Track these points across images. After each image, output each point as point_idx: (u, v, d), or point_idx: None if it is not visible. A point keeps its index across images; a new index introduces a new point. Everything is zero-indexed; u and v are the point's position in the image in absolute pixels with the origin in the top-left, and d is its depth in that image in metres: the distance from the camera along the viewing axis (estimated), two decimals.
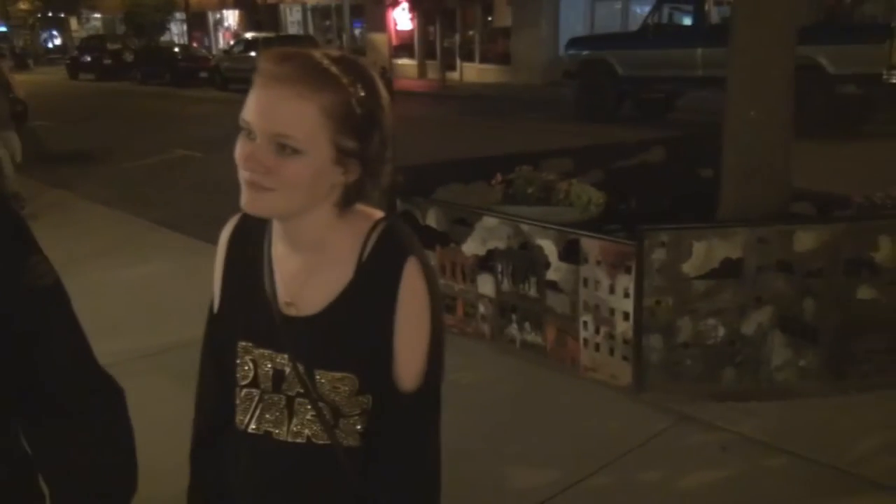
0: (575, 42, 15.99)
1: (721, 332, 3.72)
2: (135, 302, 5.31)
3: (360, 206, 1.24)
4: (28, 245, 1.13)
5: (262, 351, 1.24)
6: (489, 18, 25.78)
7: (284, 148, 1.10)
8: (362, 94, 1.13)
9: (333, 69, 1.12)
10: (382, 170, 1.20)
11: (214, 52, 34.82)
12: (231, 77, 24.75)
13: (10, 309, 1.08)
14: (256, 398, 1.26)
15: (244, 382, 1.26)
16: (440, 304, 1.26)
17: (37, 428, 1.16)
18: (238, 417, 1.28)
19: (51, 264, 1.15)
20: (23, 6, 45.85)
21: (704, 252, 3.64)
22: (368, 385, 1.22)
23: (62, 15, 48.05)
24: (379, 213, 1.25)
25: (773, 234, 3.66)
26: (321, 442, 1.23)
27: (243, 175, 1.13)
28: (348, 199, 1.20)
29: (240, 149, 1.13)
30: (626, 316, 3.78)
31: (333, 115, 1.11)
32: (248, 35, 27.62)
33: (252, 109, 1.11)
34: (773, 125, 4.25)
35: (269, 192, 1.12)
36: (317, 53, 1.14)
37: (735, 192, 4.35)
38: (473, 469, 3.06)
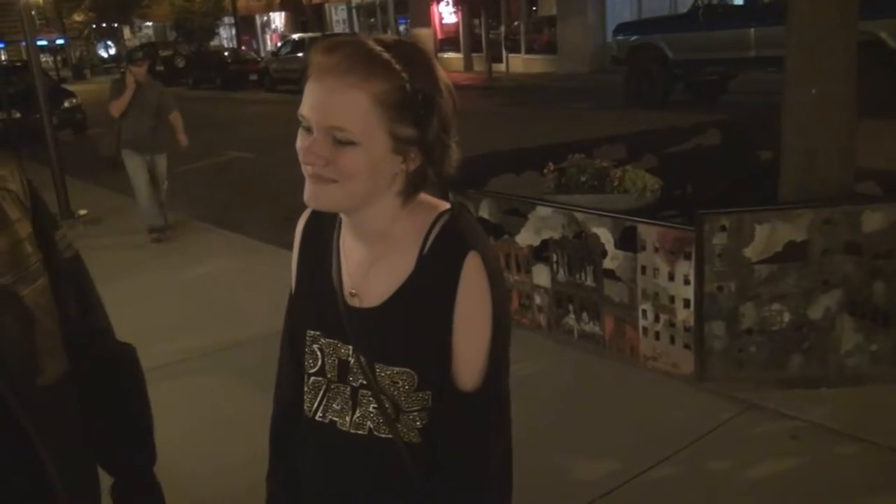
0: (623, 27, 15.73)
1: (787, 317, 3.61)
2: (194, 301, 5.41)
3: (425, 197, 1.21)
4: (55, 221, 1.27)
5: (328, 340, 1.24)
6: (534, 8, 25.57)
7: (339, 139, 1.09)
8: (417, 78, 1.10)
9: (385, 55, 1.09)
10: (445, 155, 1.16)
11: (262, 54, 35.34)
12: (279, 78, 25.07)
13: (52, 279, 1.21)
14: (323, 387, 1.26)
15: (312, 370, 1.27)
16: (504, 303, 1.21)
17: (79, 379, 1.29)
18: (306, 404, 1.28)
19: (71, 238, 1.31)
20: (78, 18, 47.20)
21: (767, 235, 3.54)
22: (427, 381, 1.19)
23: (115, 25, 49.29)
24: (445, 205, 1.22)
25: (839, 214, 3.54)
26: (383, 435, 1.21)
27: (305, 169, 1.12)
28: (411, 188, 1.17)
29: (299, 143, 1.13)
30: (686, 303, 3.70)
31: (386, 102, 1.08)
32: (295, 36, 27.94)
33: (307, 103, 1.11)
34: (835, 103, 4.10)
35: (330, 185, 1.11)
36: (369, 40, 1.11)
37: (797, 173, 4.21)
38: (535, 461, 3.03)
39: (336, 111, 1.08)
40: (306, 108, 1.11)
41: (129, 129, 6.72)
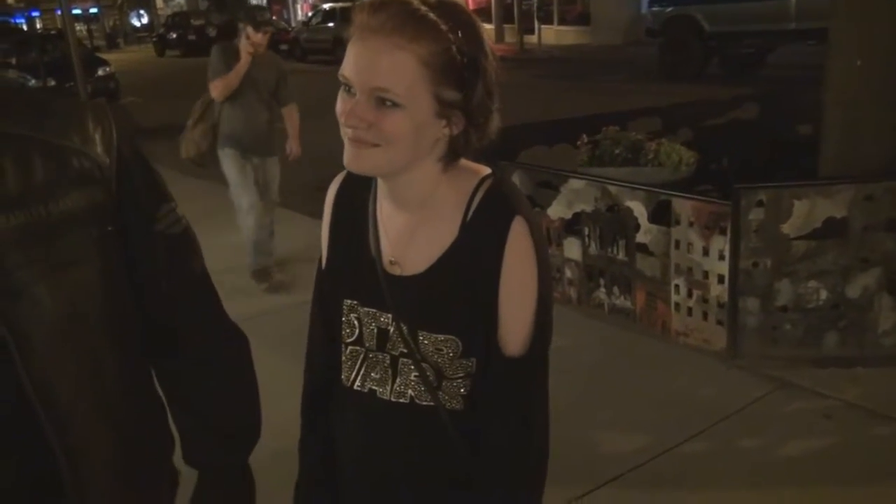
0: None
1: (823, 295, 3.54)
2: (226, 269, 5.44)
3: (465, 162, 1.18)
4: (161, 194, 1.15)
5: (366, 309, 1.22)
6: None
7: (384, 102, 1.06)
8: (464, 41, 1.07)
9: (431, 15, 1.06)
10: (488, 121, 1.14)
11: (293, 24, 35.26)
12: (310, 48, 25.01)
13: (141, 252, 1.11)
14: (361, 356, 1.24)
15: (349, 340, 1.25)
16: (548, 267, 1.20)
17: (163, 369, 1.20)
18: (344, 374, 1.27)
19: (182, 214, 1.17)
20: None
21: (806, 211, 3.46)
22: (472, 348, 1.18)
23: None
24: (486, 170, 1.19)
25: (881, 190, 3.45)
26: (424, 403, 1.21)
27: (345, 132, 1.09)
28: (453, 153, 1.15)
29: (340, 105, 1.10)
30: (720, 279, 3.65)
31: (432, 65, 1.06)
32: (326, 5, 27.79)
33: (350, 64, 1.07)
34: (881, 75, 3.98)
35: (372, 149, 1.08)
36: (414, 0, 1.08)
37: (838, 148, 4.12)
38: (564, 434, 2.98)
39: (381, 72, 1.05)
40: (348, 69, 1.08)
41: (233, 120, 4.74)
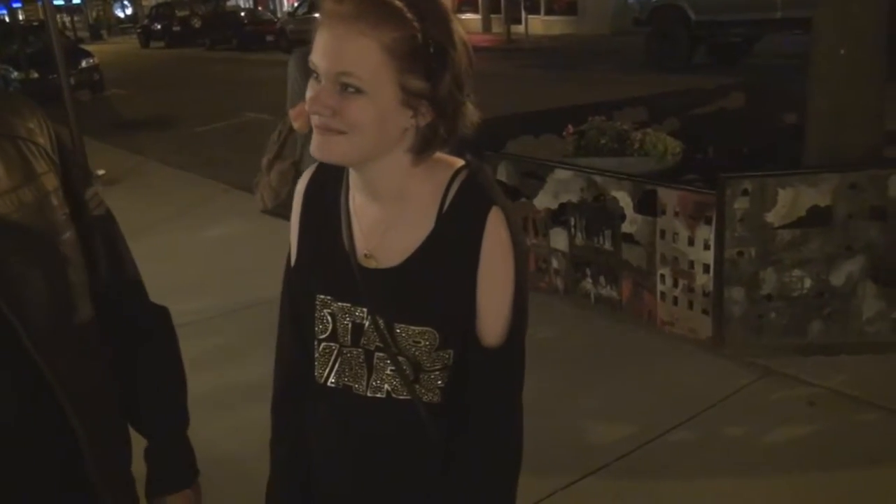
0: None
1: (808, 283, 3.56)
2: (211, 261, 5.43)
3: (440, 154, 1.17)
4: (87, 177, 1.23)
5: (340, 304, 1.21)
6: None
7: (347, 87, 1.06)
8: (431, 29, 1.06)
9: (397, 3, 1.05)
10: (458, 113, 1.12)
11: (279, 15, 35.04)
12: (296, 39, 24.85)
13: (83, 233, 1.17)
14: (335, 352, 1.23)
15: (322, 336, 1.23)
16: (524, 256, 1.20)
17: (116, 336, 1.27)
18: (317, 371, 1.26)
19: (102, 197, 1.25)
20: None
21: (790, 200, 3.47)
22: (450, 340, 1.18)
23: None
24: (460, 161, 1.19)
25: (865, 179, 3.46)
26: (401, 397, 1.20)
27: (313, 119, 1.09)
28: (423, 145, 1.13)
29: (308, 92, 1.09)
30: (706, 268, 3.66)
31: (396, 52, 1.05)
32: None
33: (317, 51, 1.07)
34: (864, 63, 3.99)
35: (337, 136, 1.08)
36: None
37: (822, 137, 4.13)
38: (551, 424, 3.03)
39: (345, 58, 1.05)
40: (316, 56, 1.08)
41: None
